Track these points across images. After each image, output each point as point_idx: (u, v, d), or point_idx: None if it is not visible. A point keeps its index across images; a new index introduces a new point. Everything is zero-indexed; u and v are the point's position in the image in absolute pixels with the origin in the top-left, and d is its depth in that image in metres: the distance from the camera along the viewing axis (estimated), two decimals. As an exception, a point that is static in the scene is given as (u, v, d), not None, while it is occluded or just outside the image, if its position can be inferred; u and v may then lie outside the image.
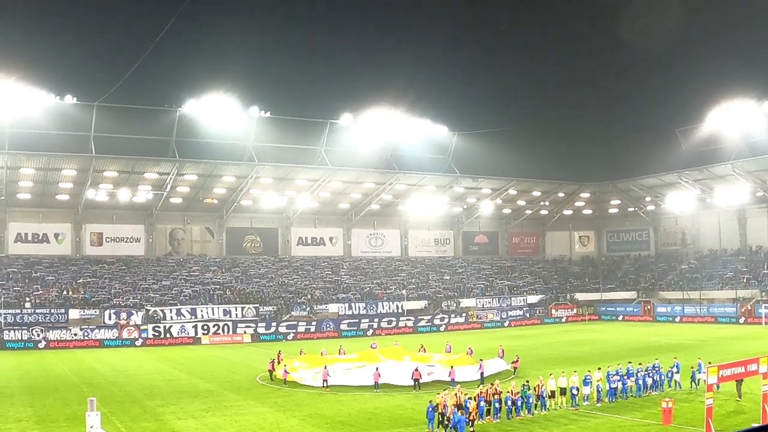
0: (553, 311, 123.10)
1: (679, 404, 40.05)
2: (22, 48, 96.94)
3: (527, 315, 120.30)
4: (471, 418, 37.36)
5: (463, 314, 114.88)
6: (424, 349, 67.30)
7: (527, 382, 42.86)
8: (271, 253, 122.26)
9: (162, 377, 61.61)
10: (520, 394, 40.64)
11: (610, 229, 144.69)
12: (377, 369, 52.13)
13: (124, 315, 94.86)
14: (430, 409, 37.21)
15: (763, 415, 35.22)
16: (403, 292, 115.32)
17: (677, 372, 47.85)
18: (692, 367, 47.30)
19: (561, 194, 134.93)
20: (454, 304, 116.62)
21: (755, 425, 34.60)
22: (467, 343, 72.10)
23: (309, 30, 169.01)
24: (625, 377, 45.30)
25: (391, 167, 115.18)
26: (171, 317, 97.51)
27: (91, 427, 16.04)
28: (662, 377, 47.05)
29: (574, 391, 42.91)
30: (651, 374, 46.54)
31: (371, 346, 70.76)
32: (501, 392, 40.35)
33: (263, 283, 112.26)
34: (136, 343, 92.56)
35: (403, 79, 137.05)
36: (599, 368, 46.07)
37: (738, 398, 43.10)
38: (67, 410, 44.33)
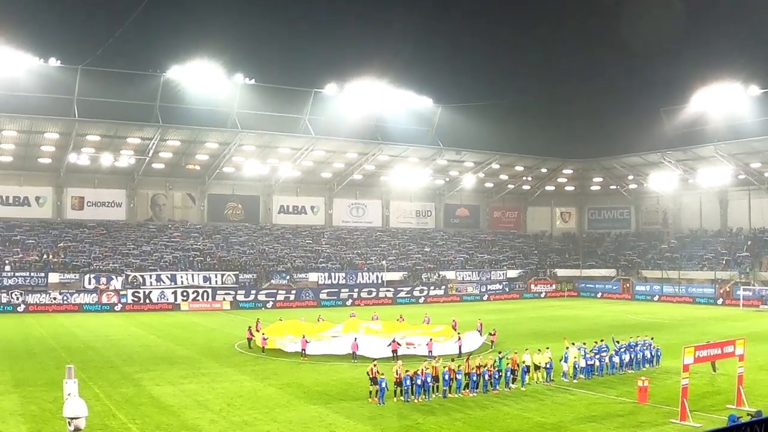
0: (533, 286, 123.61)
1: (655, 383, 40.32)
2: (6, 9, 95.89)
3: (506, 289, 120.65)
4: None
5: (443, 287, 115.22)
6: (403, 320, 67.53)
7: (500, 353, 43.23)
8: (253, 221, 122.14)
9: (140, 343, 61.68)
10: (496, 368, 40.89)
11: (592, 206, 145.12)
12: (355, 339, 52.31)
13: (104, 280, 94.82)
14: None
15: (738, 397, 35.52)
16: (384, 263, 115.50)
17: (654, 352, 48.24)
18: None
19: (544, 170, 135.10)
20: (434, 277, 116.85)
21: (729, 406, 35.08)
22: (446, 316, 72.43)
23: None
24: (603, 354, 45.61)
25: (374, 138, 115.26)
26: (151, 283, 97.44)
27: (69, 394, 16.05)
28: (644, 355, 47.32)
29: (547, 366, 43.10)
30: (628, 351, 46.82)
31: (350, 316, 70.90)
32: (481, 366, 40.46)
33: (244, 250, 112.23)
34: (116, 308, 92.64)
35: (388, 50, 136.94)
36: (573, 343, 46.23)
37: (713, 372, 43.66)
38: (46, 375, 44.35)
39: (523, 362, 42.27)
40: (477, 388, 39.90)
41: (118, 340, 63.56)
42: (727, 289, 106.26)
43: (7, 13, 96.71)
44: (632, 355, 46.65)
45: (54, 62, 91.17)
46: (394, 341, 51.06)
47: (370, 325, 62.45)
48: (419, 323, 67.25)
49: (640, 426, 32.63)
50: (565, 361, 43.96)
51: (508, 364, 41.57)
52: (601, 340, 47.71)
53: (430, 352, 49.84)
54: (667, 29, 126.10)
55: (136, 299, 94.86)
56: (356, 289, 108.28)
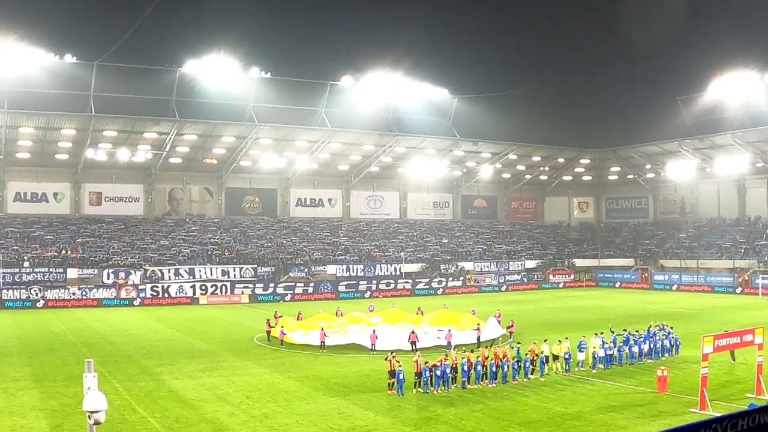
0: (551, 276, 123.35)
1: (674, 372, 40.19)
2: (22, 7, 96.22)
3: (525, 280, 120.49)
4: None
5: (461, 278, 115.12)
6: (422, 312, 67.49)
7: (518, 344, 43.24)
8: (270, 214, 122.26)
9: (159, 337, 61.85)
10: (515, 359, 40.84)
11: (609, 196, 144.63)
12: (374, 331, 52.36)
13: (122, 275, 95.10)
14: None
15: (758, 386, 35.35)
16: (402, 254, 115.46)
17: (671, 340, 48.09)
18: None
19: (561, 160, 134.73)
20: (452, 268, 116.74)
21: (749, 395, 34.91)
22: (465, 307, 72.20)
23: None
24: (621, 344, 45.54)
25: (391, 130, 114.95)
26: (169, 277, 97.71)
27: (89, 388, 16.09)
28: (663, 344, 47.16)
29: (566, 357, 43.00)
30: (647, 341, 46.69)
31: (369, 309, 70.90)
32: (501, 356, 40.41)
33: (261, 243, 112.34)
34: (134, 302, 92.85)
35: (404, 41, 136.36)
36: (595, 334, 46.17)
37: (732, 361, 43.52)
38: (65, 370, 44.55)
39: (542, 352, 42.24)
40: (496, 378, 39.89)
41: (137, 334, 63.74)
42: (746, 278, 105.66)
43: (22, 11, 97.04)
44: (651, 345, 46.54)
45: (70, 59, 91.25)
46: (412, 332, 51.08)
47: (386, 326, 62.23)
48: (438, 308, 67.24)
49: (659, 415, 32.52)
50: (581, 350, 43.90)
51: (527, 354, 41.54)
52: (624, 330, 47.72)
53: (449, 343, 49.85)
54: (684, 17, 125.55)
55: (154, 294, 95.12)
56: (374, 281, 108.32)
